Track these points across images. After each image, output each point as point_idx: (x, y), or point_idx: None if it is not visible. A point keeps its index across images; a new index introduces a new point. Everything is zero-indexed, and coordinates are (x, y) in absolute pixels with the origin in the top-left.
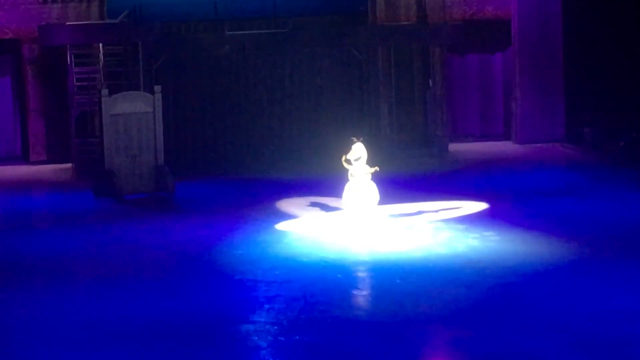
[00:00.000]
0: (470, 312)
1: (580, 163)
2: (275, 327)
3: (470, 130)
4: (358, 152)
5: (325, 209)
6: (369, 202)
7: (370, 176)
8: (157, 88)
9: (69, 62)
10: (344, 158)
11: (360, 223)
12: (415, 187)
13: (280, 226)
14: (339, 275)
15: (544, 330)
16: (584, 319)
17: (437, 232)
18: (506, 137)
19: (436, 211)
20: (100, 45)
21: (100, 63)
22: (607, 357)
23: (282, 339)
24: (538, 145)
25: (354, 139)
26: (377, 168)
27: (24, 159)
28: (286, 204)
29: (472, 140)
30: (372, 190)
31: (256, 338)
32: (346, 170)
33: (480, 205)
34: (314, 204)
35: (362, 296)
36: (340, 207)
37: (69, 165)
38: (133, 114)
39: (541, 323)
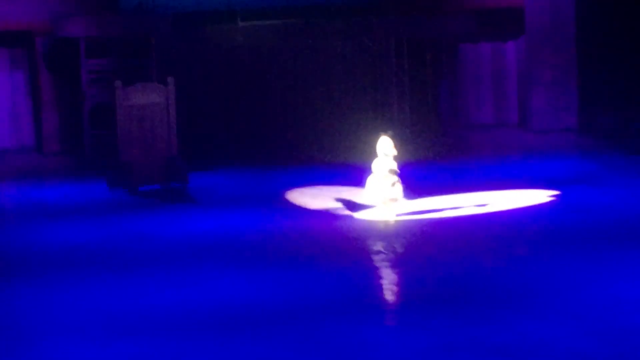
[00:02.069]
0: (482, 300)
1: (594, 152)
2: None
3: (484, 119)
4: (386, 146)
5: (341, 201)
6: (395, 198)
7: (395, 172)
8: (171, 79)
9: (81, 54)
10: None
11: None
12: (432, 179)
13: (296, 215)
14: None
15: (557, 318)
16: (597, 308)
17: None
18: (520, 125)
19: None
20: (113, 37)
21: (113, 55)
22: (619, 345)
23: (305, 330)
24: (552, 133)
25: (382, 133)
26: (398, 171)
27: (38, 151)
28: (299, 194)
29: (485, 129)
30: (398, 186)
31: (279, 327)
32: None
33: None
34: (326, 194)
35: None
36: (360, 199)
37: (83, 156)
38: (147, 106)
39: (554, 311)
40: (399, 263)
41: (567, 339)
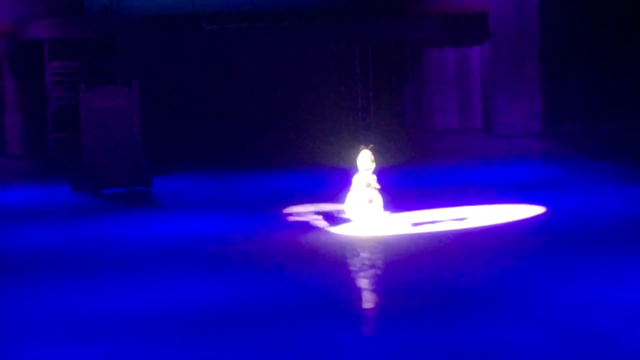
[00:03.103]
0: (448, 304)
1: (558, 156)
2: (257, 319)
3: (448, 124)
4: (365, 160)
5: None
6: (376, 212)
7: (376, 184)
8: (135, 82)
9: (45, 57)
10: (366, 183)
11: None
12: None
13: (261, 217)
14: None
15: (524, 323)
16: (563, 312)
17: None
18: (484, 130)
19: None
20: (77, 39)
21: (78, 57)
22: (585, 350)
23: (267, 331)
24: (516, 139)
25: (362, 147)
26: (378, 186)
27: (1, 154)
28: (265, 198)
29: (450, 134)
30: (378, 200)
31: (245, 330)
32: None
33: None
34: (290, 197)
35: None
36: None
37: (47, 159)
38: (111, 109)
39: (520, 316)
40: (370, 271)
41: (533, 344)
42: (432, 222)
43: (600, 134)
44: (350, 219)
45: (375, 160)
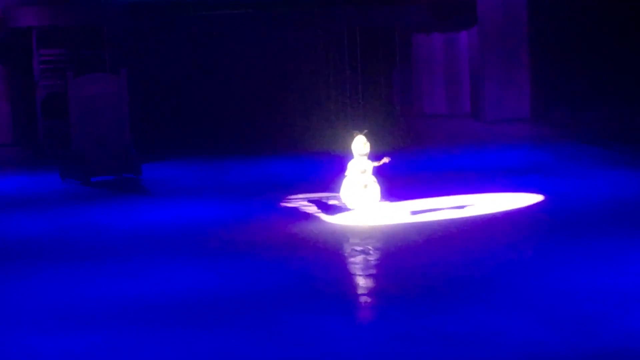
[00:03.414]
0: (437, 291)
1: (546, 141)
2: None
3: (437, 110)
4: (361, 146)
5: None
6: (372, 199)
7: (371, 171)
8: (123, 70)
9: (34, 44)
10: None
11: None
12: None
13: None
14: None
15: (510, 308)
16: (550, 297)
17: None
18: (473, 115)
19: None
20: (65, 27)
21: (66, 45)
22: (572, 333)
23: (262, 320)
24: (504, 123)
25: (356, 133)
26: (386, 159)
27: None
28: (256, 184)
29: (438, 119)
30: (375, 187)
31: (235, 316)
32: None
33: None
34: (277, 185)
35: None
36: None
37: (36, 147)
38: (99, 96)
39: (508, 301)
40: (360, 258)
41: (520, 328)
42: (427, 211)
43: (589, 118)
44: (346, 206)
45: (369, 146)
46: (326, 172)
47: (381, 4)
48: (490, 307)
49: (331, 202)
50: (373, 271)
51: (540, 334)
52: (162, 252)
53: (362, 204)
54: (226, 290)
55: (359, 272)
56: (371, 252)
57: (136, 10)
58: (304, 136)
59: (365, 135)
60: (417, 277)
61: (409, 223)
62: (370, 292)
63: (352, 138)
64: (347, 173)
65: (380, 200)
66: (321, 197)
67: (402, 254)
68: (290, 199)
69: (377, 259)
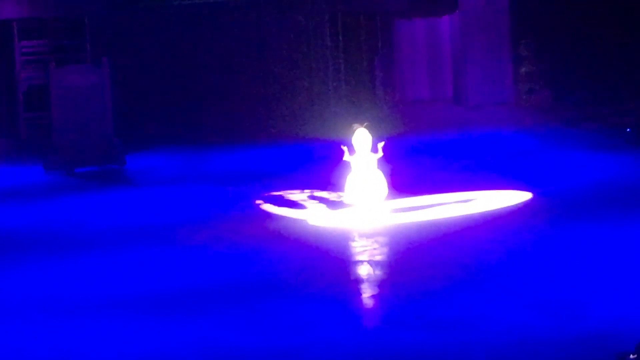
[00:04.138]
0: (424, 277)
1: (529, 125)
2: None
3: (419, 95)
4: (362, 139)
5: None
6: (377, 194)
7: (376, 165)
8: (105, 60)
9: (15, 36)
10: (345, 153)
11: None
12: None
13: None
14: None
15: (497, 293)
16: (535, 282)
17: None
18: (455, 101)
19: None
20: (46, 18)
21: (47, 36)
22: (557, 317)
23: (247, 308)
24: (487, 108)
25: (357, 125)
26: (382, 142)
27: None
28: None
29: (421, 104)
30: (380, 181)
31: (221, 305)
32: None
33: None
34: (254, 175)
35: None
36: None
37: (19, 139)
38: (81, 87)
39: (494, 286)
40: (349, 248)
41: (506, 313)
42: (427, 207)
43: (570, 101)
44: (350, 202)
45: (371, 139)
46: (309, 160)
47: None
48: (476, 291)
49: (334, 198)
50: (359, 261)
51: (525, 318)
52: (147, 242)
53: (367, 200)
54: (212, 280)
55: (344, 262)
56: (364, 243)
57: (117, 0)
58: (287, 123)
59: (367, 127)
60: (405, 265)
61: (408, 221)
62: (360, 280)
63: (353, 131)
64: (351, 169)
65: (386, 194)
66: (325, 194)
67: (393, 245)
68: (289, 194)
69: (369, 249)
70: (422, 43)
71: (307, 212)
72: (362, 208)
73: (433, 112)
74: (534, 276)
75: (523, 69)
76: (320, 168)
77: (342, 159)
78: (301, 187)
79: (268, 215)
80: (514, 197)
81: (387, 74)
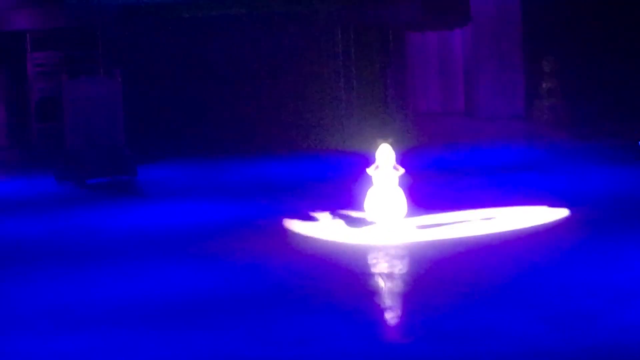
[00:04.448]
0: (435, 289)
1: (541, 138)
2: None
3: (431, 107)
4: (386, 155)
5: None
6: (397, 211)
7: (397, 182)
8: (117, 71)
9: (27, 47)
10: (372, 168)
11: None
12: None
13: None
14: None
15: (508, 305)
16: (547, 294)
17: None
18: (467, 113)
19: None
20: (59, 29)
21: (60, 47)
22: (568, 330)
23: (256, 320)
24: (499, 121)
25: (381, 141)
26: (401, 170)
27: None
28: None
29: (433, 117)
30: (401, 198)
31: (230, 317)
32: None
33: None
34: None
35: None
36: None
37: (31, 150)
38: (93, 98)
39: (505, 298)
40: (365, 262)
41: (517, 325)
42: (450, 224)
43: (582, 114)
44: (371, 220)
45: (394, 155)
46: (322, 172)
47: (375, 3)
48: (486, 303)
49: (356, 215)
50: (379, 271)
51: (536, 330)
52: (158, 253)
53: (387, 217)
54: (222, 292)
55: (353, 274)
56: (381, 258)
57: (129, 12)
58: (299, 135)
59: (390, 143)
60: (413, 276)
61: (429, 240)
62: (373, 292)
63: (376, 147)
64: (372, 185)
65: (406, 212)
66: (348, 213)
67: (415, 262)
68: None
69: (386, 263)
70: (434, 56)
71: (326, 228)
72: (382, 225)
73: (444, 125)
74: (543, 286)
75: (535, 82)
76: (334, 181)
77: (360, 172)
78: (316, 200)
79: (284, 228)
80: (546, 214)
81: (399, 87)
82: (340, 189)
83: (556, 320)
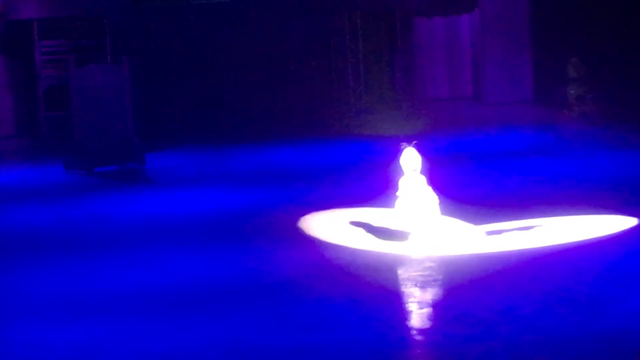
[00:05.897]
0: (442, 272)
1: (549, 123)
2: (249, 297)
3: (439, 93)
4: (411, 159)
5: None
6: (429, 217)
7: (426, 184)
8: (125, 59)
9: (35, 36)
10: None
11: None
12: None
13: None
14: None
15: (521, 290)
16: (557, 279)
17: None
18: (475, 98)
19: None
20: (66, 18)
21: (67, 36)
22: (580, 314)
23: (267, 306)
24: (507, 106)
25: (405, 145)
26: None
27: None
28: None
29: (441, 102)
30: (433, 203)
31: (240, 304)
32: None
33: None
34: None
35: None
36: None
37: (39, 139)
38: (102, 87)
39: (513, 283)
40: (374, 248)
41: (529, 310)
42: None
43: (591, 98)
44: (403, 229)
45: (421, 159)
46: (328, 158)
47: None
48: (497, 289)
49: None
50: (386, 260)
51: (548, 315)
52: (167, 241)
53: (419, 225)
54: (232, 279)
55: (369, 260)
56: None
57: (136, 0)
58: (306, 122)
59: (415, 146)
60: (424, 264)
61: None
62: (388, 284)
63: (401, 151)
64: (398, 192)
65: (440, 216)
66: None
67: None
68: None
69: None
70: (441, 41)
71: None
72: (412, 231)
73: (452, 110)
74: (553, 271)
75: (543, 67)
76: (346, 169)
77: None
78: (327, 188)
79: (294, 216)
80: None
81: (407, 73)
82: (351, 178)
83: (567, 306)
